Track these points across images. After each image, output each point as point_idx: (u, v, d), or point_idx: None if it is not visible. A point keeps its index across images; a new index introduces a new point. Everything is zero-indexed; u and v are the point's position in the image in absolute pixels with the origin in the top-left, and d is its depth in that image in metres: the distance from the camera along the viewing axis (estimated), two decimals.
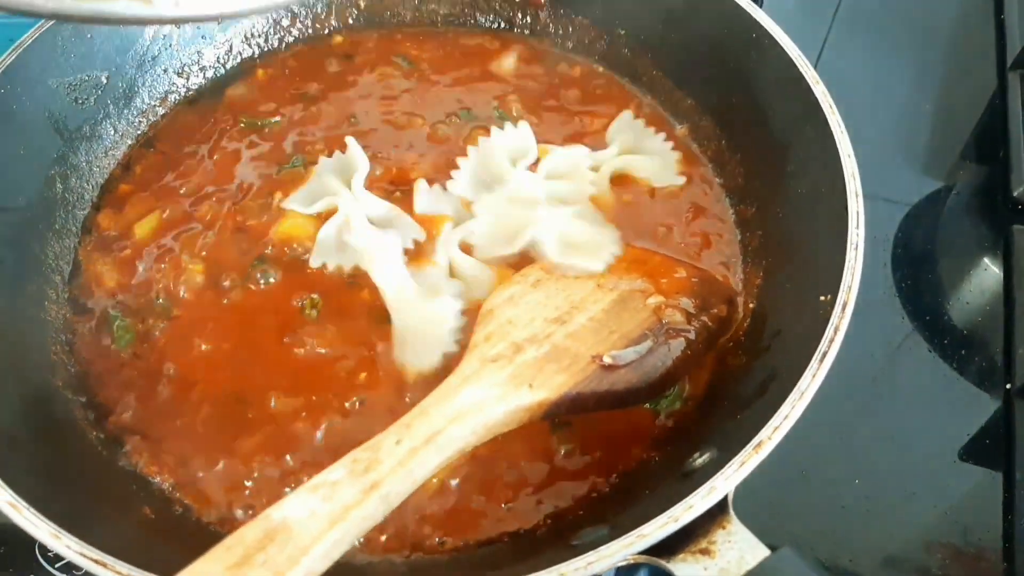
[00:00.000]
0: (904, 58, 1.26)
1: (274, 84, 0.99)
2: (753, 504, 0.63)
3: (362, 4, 1.06)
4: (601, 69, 1.03)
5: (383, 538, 0.70)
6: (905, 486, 0.90)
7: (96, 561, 0.57)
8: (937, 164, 1.16)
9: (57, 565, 0.75)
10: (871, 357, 0.96)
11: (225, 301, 0.83)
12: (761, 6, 0.89)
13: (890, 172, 1.11)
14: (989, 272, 1.03)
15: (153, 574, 0.57)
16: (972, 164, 1.16)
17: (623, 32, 1.00)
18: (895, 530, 0.88)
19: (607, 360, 0.71)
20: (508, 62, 1.04)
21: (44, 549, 0.76)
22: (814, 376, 0.63)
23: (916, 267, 1.06)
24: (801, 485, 0.88)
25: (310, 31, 1.05)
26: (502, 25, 1.06)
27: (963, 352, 0.98)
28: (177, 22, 0.76)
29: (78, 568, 0.62)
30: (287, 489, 0.71)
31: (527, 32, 1.06)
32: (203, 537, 0.69)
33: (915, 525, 0.88)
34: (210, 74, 1.00)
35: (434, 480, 0.71)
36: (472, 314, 0.79)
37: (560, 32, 1.04)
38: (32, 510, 0.59)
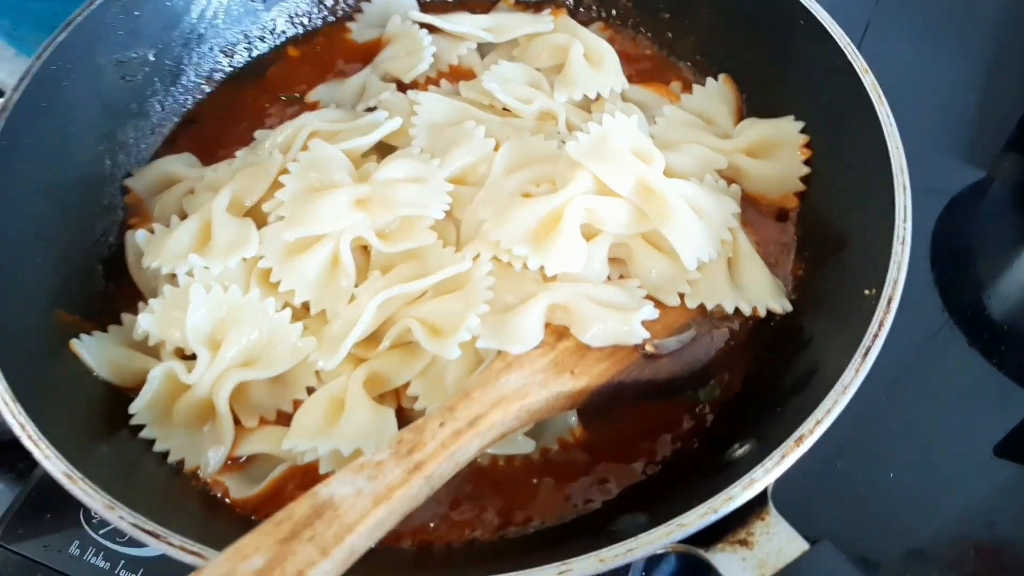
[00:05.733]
0: (949, 45, 1.23)
1: (316, 63, 0.99)
2: (787, 495, 0.64)
3: None
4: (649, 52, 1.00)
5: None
6: (938, 481, 0.90)
7: (149, 532, 0.59)
8: (980, 154, 1.14)
9: (102, 532, 0.76)
10: (907, 348, 0.96)
11: None
12: None
13: (931, 161, 1.09)
14: None
15: (205, 546, 0.58)
16: (1016, 155, 1.14)
17: (667, 16, 0.98)
18: (927, 526, 0.88)
19: (649, 349, 0.71)
20: None
21: (89, 515, 0.77)
22: (857, 371, 0.63)
23: (955, 258, 1.05)
24: (834, 477, 0.88)
25: (351, 10, 1.04)
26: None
27: (1002, 347, 0.97)
28: None
29: (122, 534, 0.64)
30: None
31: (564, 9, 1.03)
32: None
33: (947, 520, 0.88)
34: (255, 53, 1.00)
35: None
36: None
37: (602, 14, 1.03)
38: (87, 481, 0.61)
